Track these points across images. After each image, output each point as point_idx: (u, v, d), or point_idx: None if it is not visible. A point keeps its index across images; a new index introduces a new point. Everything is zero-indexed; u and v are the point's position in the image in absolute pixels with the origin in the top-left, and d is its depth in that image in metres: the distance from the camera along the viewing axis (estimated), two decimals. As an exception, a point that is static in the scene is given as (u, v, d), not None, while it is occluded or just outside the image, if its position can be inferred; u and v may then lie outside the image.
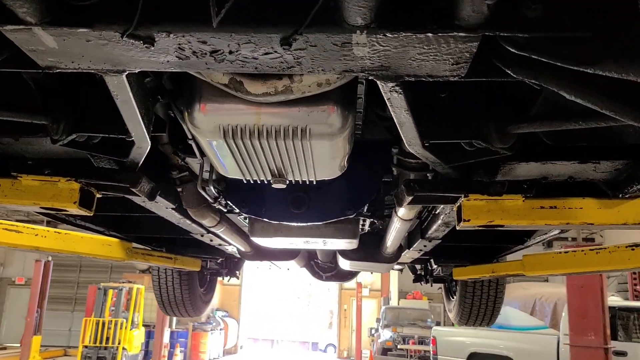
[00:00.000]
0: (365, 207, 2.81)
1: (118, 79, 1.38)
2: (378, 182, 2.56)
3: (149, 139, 1.80)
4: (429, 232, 3.05)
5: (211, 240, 3.80)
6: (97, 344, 14.27)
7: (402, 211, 2.53)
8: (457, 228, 2.15)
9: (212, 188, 2.48)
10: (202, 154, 2.19)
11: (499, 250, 4.28)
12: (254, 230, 2.97)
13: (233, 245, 4.02)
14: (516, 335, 9.62)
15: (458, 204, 2.11)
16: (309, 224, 2.65)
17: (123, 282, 15.95)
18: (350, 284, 23.78)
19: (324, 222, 2.62)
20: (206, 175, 2.45)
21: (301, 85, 1.47)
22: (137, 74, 1.44)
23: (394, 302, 20.87)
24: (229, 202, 2.68)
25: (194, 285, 5.26)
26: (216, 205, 2.70)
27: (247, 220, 3.09)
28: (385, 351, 15.62)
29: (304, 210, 2.57)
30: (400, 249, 3.83)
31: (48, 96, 1.72)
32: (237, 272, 6.07)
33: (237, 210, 2.76)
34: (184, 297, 5.16)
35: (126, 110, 1.58)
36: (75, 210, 2.07)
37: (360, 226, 3.09)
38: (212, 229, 3.17)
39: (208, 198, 2.61)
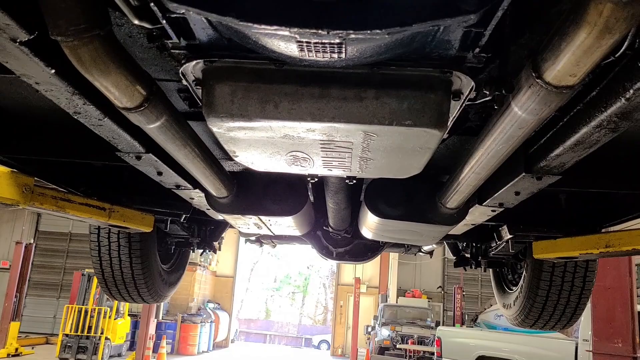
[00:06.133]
0: (487, 34, 1.17)
1: None
2: None
3: None
4: (554, 153, 1.76)
5: (160, 174, 2.31)
6: (79, 333, 13.59)
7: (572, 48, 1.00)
8: None
9: None
10: None
11: (614, 213, 3.03)
12: (214, 97, 1.33)
13: (198, 186, 2.54)
14: (528, 338, 8.92)
15: None
16: (352, 46, 1.10)
17: (109, 269, 15.20)
18: (348, 279, 23.15)
19: (398, 30, 1.01)
20: None
21: None
22: None
23: (392, 299, 20.18)
24: None
25: (150, 258, 3.69)
26: None
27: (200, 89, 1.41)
28: (382, 350, 14.97)
29: None
30: (467, 204, 2.47)
31: None
32: (216, 243, 4.32)
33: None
34: (135, 275, 3.60)
35: None
36: None
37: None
38: (134, 114, 1.43)
39: None
